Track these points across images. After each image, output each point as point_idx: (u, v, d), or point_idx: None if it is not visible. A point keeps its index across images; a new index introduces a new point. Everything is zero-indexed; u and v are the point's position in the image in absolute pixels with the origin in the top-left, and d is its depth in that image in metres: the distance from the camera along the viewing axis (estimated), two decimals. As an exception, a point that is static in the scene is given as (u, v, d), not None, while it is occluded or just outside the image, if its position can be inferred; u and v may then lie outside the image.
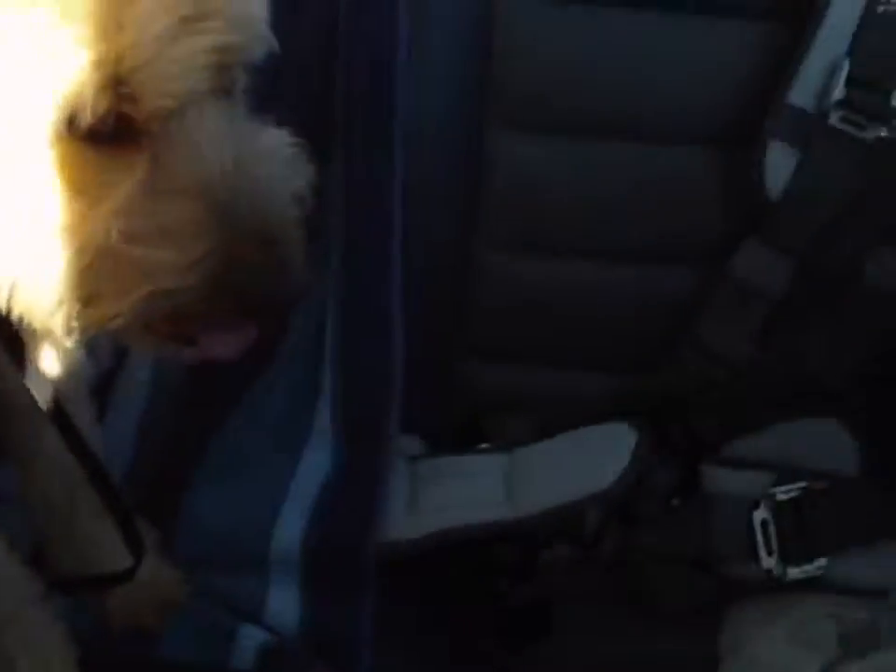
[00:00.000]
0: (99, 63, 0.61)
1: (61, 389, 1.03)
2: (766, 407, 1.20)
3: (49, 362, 1.00)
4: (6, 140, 0.64)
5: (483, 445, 1.23)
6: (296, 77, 1.14)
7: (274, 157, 0.70)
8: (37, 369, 0.91)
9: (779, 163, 1.13)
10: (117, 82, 0.62)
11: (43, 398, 0.90)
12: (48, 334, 0.77)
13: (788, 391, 1.19)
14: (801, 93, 1.11)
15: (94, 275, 0.66)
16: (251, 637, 1.08)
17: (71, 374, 1.04)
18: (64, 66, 0.61)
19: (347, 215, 1.16)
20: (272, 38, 0.71)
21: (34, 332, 0.90)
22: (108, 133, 0.64)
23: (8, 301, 0.69)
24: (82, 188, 0.65)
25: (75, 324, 0.69)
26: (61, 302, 0.68)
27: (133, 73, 0.62)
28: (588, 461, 1.17)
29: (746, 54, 1.15)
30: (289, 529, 1.12)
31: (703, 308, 1.18)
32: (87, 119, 0.62)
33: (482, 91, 1.17)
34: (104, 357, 1.16)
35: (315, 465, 1.17)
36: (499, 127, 1.18)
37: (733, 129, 1.16)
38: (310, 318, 1.20)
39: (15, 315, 0.70)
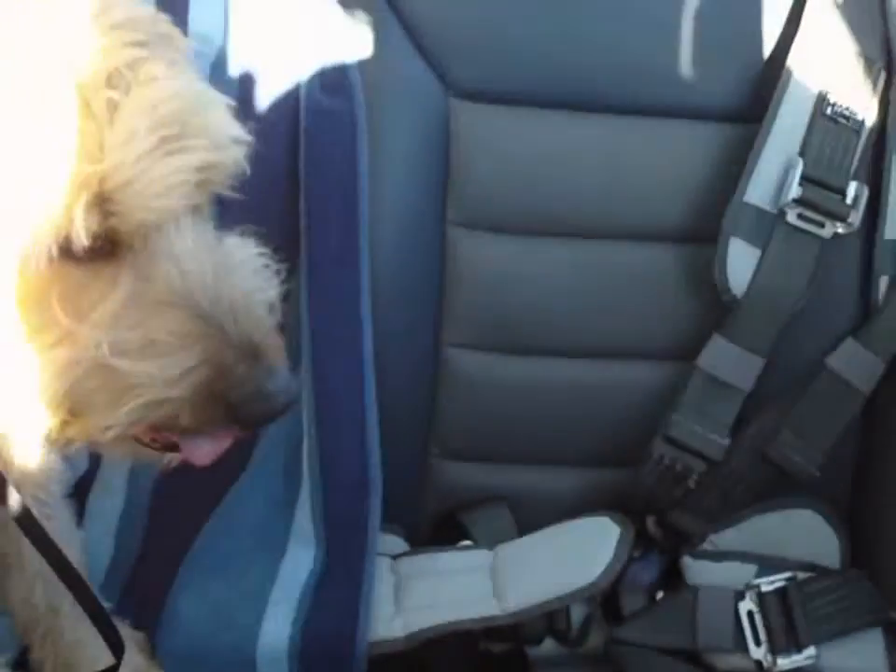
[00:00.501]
0: (84, 184, 0.62)
1: (36, 494, 1.02)
2: (744, 499, 1.21)
3: (23, 467, 0.99)
4: None
5: (466, 542, 1.22)
6: (262, 189, 1.17)
7: (247, 267, 0.72)
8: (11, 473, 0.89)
9: (741, 261, 1.17)
10: (101, 200, 0.63)
11: (15, 504, 0.89)
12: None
13: (764, 482, 1.21)
14: (758, 192, 1.17)
15: (83, 389, 0.66)
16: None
17: (47, 478, 1.03)
18: (51, 187, 0.62)
19: (315, 320, 1.18)
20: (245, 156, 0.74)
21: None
22: (92, 249, 0.65)
23: None
24: (68, 303, 0.65)
25: (62, 436, 0.70)
26: (48, 416, 0.68)
27: (116, 191, 0.63)
28: (571, 556, 1.16)
29: (704, 154, 1.20)
30: (275, 629, 1.09)
31: (676, 402, 1.20)
32: (76, 238, 0.63)
33: (443, 193, 1.20)
34: (79, 460, 1.15)
35: (298, 564, 1.14)
36: (460, 228, 1.21)
37: (696, 227, 1.21)
38: (284, 421, 1.20)
39: None
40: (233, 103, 0.73)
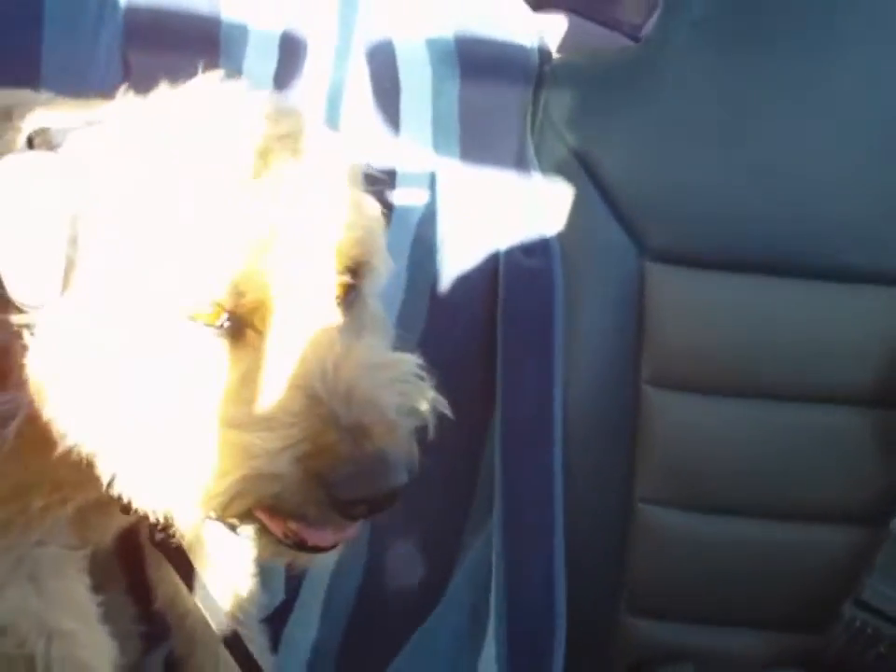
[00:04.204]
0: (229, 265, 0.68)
1: (236, 613, 1.08)
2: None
3: (223, 588, 1.06)
4: (139, 326, 0.69)
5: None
6: (460, 337, 1.24)
7: (386, 370, 0.72)
8: (209, 594, 0.95)
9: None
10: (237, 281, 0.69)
11: (217, 622, 0.94)
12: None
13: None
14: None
15: (197, 458, 0.70)
16: None
17: (245, 602, 1.10)
18: (198, 266, 0.68)
19: (507, 465, 1.22)
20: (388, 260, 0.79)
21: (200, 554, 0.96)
22: (220, 326, 0.70)
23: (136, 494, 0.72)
24: (199, 375, 0.70)
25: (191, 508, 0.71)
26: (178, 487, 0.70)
27: (249, 274, 0.68)
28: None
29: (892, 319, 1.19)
30: None
31: (868, 565, 1.18)
32: (218, 315, 0.68)
33: (637, 350, 1.23)
34: (277, 589, 1.22)
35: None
36: (653, 386, 1.23)
37: (889, 391, 1.19)
38: (475, 561, 1.24)
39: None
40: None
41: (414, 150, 1.21)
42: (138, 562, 1.11)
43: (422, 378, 0.74)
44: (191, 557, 0.92)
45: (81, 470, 0.73)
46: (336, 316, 0.72)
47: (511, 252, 1.22)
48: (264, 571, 1.13)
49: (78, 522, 0.90)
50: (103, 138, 0.72)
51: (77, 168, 0.70)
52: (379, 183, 0.84)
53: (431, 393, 0.74)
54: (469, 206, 1.23)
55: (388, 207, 1.16)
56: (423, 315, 1.22)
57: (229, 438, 0.68)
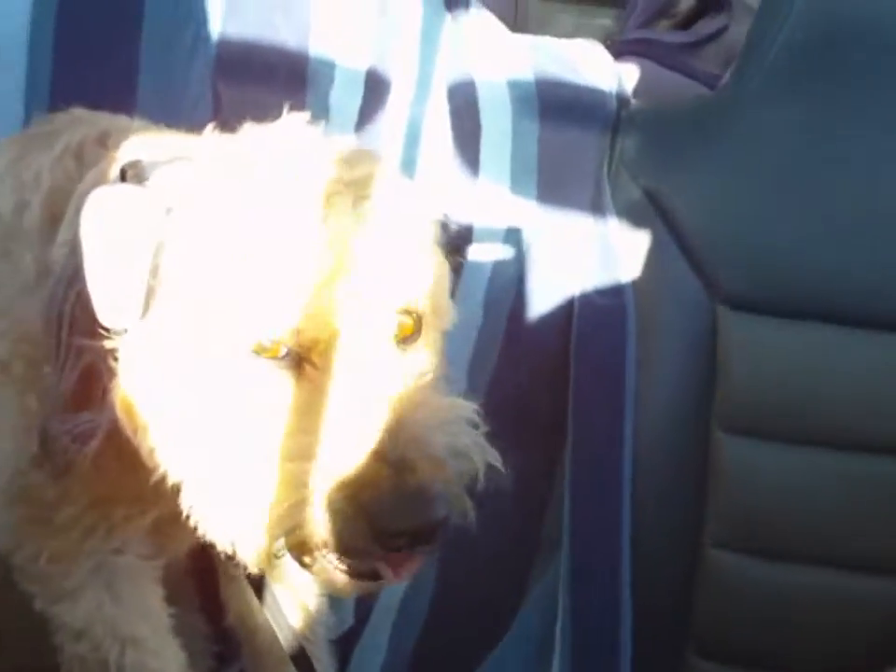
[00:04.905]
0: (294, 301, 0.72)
1: (304, 633, 1.11)
2: None
3: (293, 605, 1.09)
4: (204, 355, 0.73)
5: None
6: (531, 375, 1.26)
7: (436, 412, 0.74)
8: (280, 610, 0.99)
9: None
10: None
11: (286, 639, 0.98)
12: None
13: None
14: None
15: (253, 487, 0.72)
16: None
17: (314, 621, 1.12)
18: (262, 303, 0.72)
19: (575, 503, 1.23)
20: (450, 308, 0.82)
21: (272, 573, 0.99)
22: (280, 359, 0.73)
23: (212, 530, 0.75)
24: (257, 405, 0.73)
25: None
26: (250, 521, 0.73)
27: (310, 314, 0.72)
28: None
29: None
30: None
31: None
32: (279, 349, 0.72)
33: (708, 395, 1.23)
34: (347, 612, 1.24)
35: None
36: (725, 431, 1.22)
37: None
38: (542, 600, 1.26)
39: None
40: None
41: (492, 191, 1.24)
42: (212, 581, 1.15)
43: (476, 425, 0.75)
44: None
45: (159, 485, 0.77)
46: (394, 357, 0.75)
47: (585, 293, 1.24)
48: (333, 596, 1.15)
49: (156, 532, 0.94)
50: (188, 175, 0.77)
51: (163, 202, 0.75)
52: (456, 237, 0.88)
53: (482, 440, 0.75)
54: (544, 249, 1.25)
55: (463, 257, 1.20)
56: (494, 356, 1.25)
57: (282, 468, 0.71)
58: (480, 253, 1.23)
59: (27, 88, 1.15)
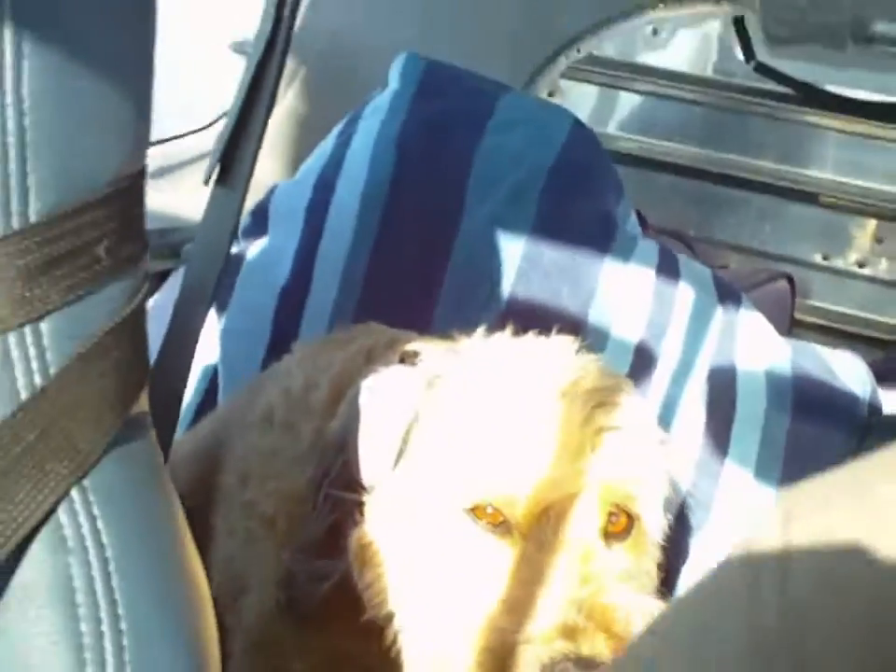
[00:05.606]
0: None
1: None
2: None
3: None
4: (428, 513, 0.84)
5: None
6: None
7: (626, 588, 0.82)
8: None
9: None
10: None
11: None
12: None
13: None
14: None
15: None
16: None
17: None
18: (488, 481, 0.83)
19: None
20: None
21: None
22: (493, 525, 0.82)
23: None
24: (467, 565, 0.82)
25: None
26: None
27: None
28: None
29: None
30: None
31: None
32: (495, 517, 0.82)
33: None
34: None
35: None
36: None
37: None
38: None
39: None
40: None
41: (737, 474, 1.28)
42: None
43: None
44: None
45: (384, 649, 0.85)
46: (596, 541, 0.83)
47: None
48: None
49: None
50: (452, 360, 0.90)
51: (425, 378, 0.88)
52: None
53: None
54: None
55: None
56: None
57: (488, 625, 0.79)
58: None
59: (334, 308, 1.33)
